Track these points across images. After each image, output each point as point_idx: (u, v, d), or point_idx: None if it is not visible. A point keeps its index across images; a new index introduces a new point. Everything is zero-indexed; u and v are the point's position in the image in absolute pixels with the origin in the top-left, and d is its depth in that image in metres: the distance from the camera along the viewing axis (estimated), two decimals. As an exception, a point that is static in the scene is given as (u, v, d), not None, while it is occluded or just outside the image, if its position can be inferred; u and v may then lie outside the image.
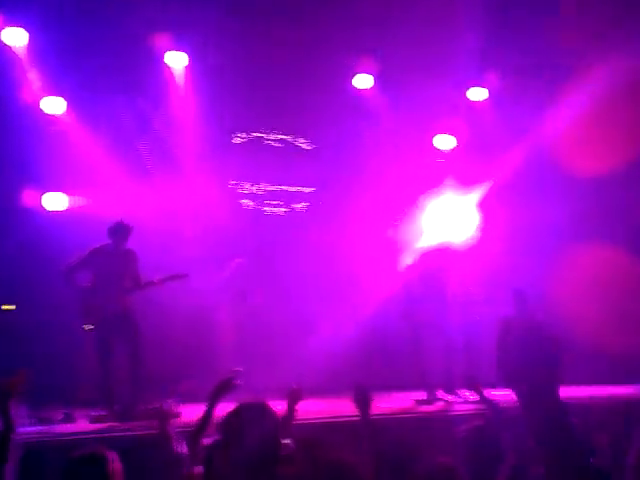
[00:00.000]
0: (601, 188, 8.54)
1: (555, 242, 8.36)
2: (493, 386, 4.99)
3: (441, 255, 6.81)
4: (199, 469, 2.92)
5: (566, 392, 6.10)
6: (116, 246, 6.14)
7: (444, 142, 9.26)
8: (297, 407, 3.55)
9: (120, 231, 6.14)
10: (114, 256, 6.08)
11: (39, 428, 4.97)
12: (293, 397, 3.56)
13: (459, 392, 6.37)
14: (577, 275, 7.93)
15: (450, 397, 6.43)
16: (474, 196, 8.41)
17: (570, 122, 8.14)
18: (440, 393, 6.49)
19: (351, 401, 3.15)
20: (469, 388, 4.09)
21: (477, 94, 9.11)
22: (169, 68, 8.07)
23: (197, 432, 3.18)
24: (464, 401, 6.13)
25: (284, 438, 2.80)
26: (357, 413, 3.13)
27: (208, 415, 3.25)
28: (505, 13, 7.98)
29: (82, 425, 5.28)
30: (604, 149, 7.90)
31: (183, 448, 3.23)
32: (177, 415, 5.38)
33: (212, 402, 3.29)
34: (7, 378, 3.04)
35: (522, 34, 8.10)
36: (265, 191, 9.01)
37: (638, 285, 7.90)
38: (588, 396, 6.22)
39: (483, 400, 3.83)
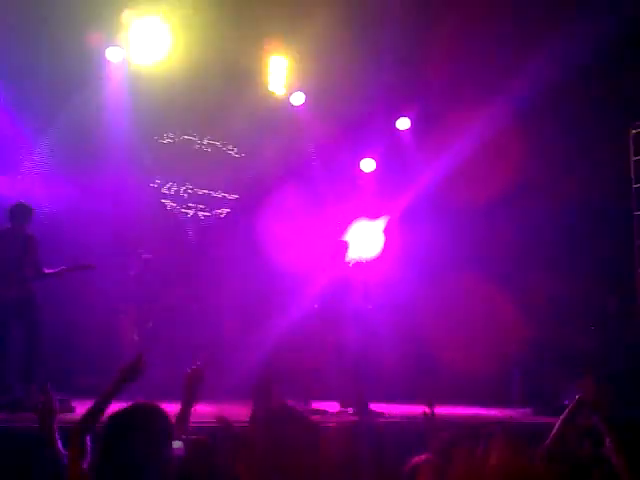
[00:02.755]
0: (490, 216, 9.14)
1: (448, 266, 8.91)
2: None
3: (350, 270, 7.07)
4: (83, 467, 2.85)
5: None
6: (15, 229, 5.96)
7: (366, 165, 9.65)
8: (196, 395, 3.30)
9: (19, 213, 5.98)
10: (13, 240, 5.90)
11: None
12: (193, 379, 3.32)
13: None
14: (454, 296, 8.56)
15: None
16: (383, 219, 8.87)
17: (467, 155, 8.69)
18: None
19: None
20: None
21: (401, 123, 9.57)
22: (107, 63, 8.00)
23: (84, 426, 2.93)
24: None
25: (177, 438, 2.77)
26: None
27: (102, 406, 2.97)
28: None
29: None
30: (494, 180, 8.51)
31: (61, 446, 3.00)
32: (69, 410, 5.32)
33: (111, 392, 3.01)
34: None
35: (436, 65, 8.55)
36: (189, 193, 9.01)
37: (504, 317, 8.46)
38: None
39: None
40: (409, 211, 9.06)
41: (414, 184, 9.07)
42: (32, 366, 5.78)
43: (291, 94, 9.18)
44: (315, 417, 6.22)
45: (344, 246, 7.24)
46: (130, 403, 2.82)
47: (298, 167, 9.20)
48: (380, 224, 8.88)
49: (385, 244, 8.82)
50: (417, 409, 6.69)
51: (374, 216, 8.85)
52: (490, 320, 8.50)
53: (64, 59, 7.37)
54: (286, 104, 9.20)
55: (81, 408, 4.69)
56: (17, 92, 7.30)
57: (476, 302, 8.65)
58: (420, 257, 8.91)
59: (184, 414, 3.33)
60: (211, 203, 9.13)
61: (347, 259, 7.14)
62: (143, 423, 2.61)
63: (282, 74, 9.14)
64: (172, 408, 2.83)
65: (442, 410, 6.83)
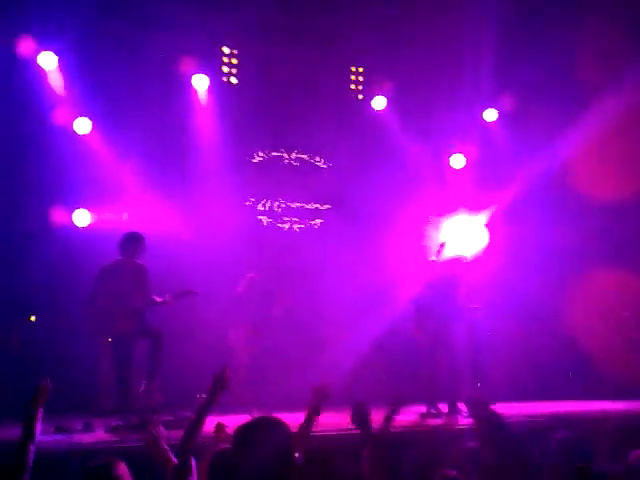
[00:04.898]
0: (607, 212, 8.70)
1: (558, 260, 8.56)
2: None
3: (452, 267, 6.91)
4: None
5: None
6: (125, 260, 6.15)
7: (457, 161, 9.45)
8: (320, 410, 3.43)
9: (127, 244, 6.17)
10: (124, 272, 6.09)
11: (58, 437, 5.11)
12: (319, 396, 3.47)
13: (462, 406, 6.46)
14: (578, 293, 8.14)
15: (454, 411, 6.51)
16: (483, 214, 8.62)
17: (579, 146, 8.32)
18: (444, 407, 6.57)
19: (350, 421, 3.16)
20: (471, 410, 4.06)
21: (489, 115, 9.31)
22: (194, 90, 8.34)
23: (186, 442, 3.11)
24: (468, 415, 6.21)
25: (296, 450, 2.84)
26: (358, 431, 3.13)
27: (198, 421, 3.14)
28: (517, 38, 8.21)
29: (100, 435, 5.42)
30: (614, 173, 8.08)
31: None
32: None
33: (205, 405, 3.19)
34: (34, 390, 3.14)
35: (534, 58, 8.29)
36: (282, 208, 9.19)
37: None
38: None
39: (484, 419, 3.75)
40: (512, 206, 8.74)
41: (515, 177, 8.73)
42: (155, 367, 6.04)
43: (372, 99, 9.18)
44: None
45: (442, 245, 7.12)
46: (252, 417, 2.92)
47: (386, 170, 9.13)
48: (481, 219, 8.62)
49: (489, 240, 8.55)
50: (535, 407, 6.60)
51: (474, 211, 8.62)
52: (611, 311, 8.10)
53: (156, 88, 7.76)
54: (368, 109, 9.21)
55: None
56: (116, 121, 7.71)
57: (595, 294, 8.24)
58: (526, 252, 8.57)
59: (306, 427, 3.43)
60: (305, 215, 9.27)
61: (446, 257, 7.00)
62: (266, 436, 2.68)
63: (361, 81, 9.20)
64: (286, 418, 2.88)
65: (568, 406, 6.69)
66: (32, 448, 3.05)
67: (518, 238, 8.66)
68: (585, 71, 8.14)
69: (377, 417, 3.64)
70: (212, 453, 3.10)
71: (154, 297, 6.20)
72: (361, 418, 3.13)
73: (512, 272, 8.45)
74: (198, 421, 3.16)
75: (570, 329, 8.07)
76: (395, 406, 3.50)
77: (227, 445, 3.25)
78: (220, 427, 3.77)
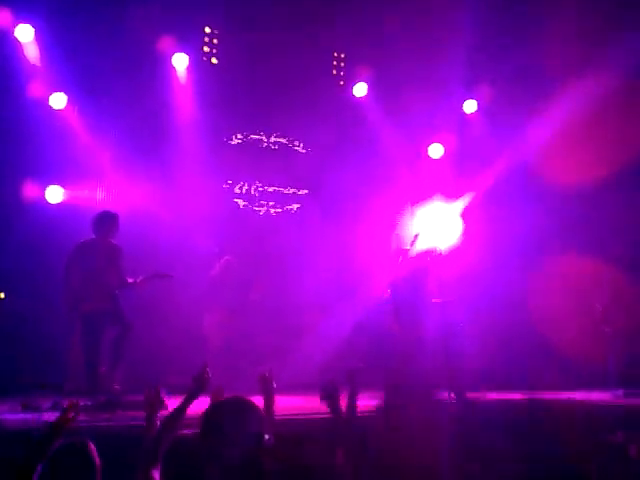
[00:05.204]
0: (582, 200, 8.80)
1: (535, 250, 8.67)
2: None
3: (424, 260, 6.93)
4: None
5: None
6: (99, 240, 6.12)
7: (435, 151, 9.47)
8: (272, 395, 3.50)
9: (101, 223, 6.14)
10: (98, 251, 6.06)
11: (27, 416, 5.05)
12: (263, 382, 3.54)
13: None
14: (552, 283, 8.24)
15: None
16: (459, 204, 8.67)
17: (555, 134, 8.40)
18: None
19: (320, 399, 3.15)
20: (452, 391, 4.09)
21: (468, 106, 9.34)
22: (173, 69, 8.22)
23: (161, 436, 3.02)
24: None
25: (266, 432, 2.82)
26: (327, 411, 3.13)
27: (179, 413, 3.08)
28: (497, 28, 8.23)
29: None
30: (588, 161, 8.18)
31: None
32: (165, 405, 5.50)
33: (183, 406, 3.11)
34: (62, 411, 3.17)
35: (513, 48, 8.34)
36: (259, 191, 9.14)
37: (617, 293, 8.13)
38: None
39: (462, 402, 3.79)
40: (488, 196, 8.80)
41: (492, 167, 8.78)
42: (119, 356, 6.01)
43: (353, 86, 9.14)
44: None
45: (415, 236, 7.13)
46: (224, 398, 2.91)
47: (365, 157, 9.11)
48: (457, 209, 8.67)
49: (464, 231, 8.59)
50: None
51: (450, 200, 8.66)
52: (583, 302, 8.20)
53: (134, 65, 7.64)
54: (349, 96, 9.17)
55: (173, 405, 4.85)
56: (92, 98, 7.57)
57: (570, 284, 8.35)
58: (502, 243, 8.64)
59: (267, 409, 3.47)
60: (282, 199, 9.23)
61: (419, 250, 7.01)
62: (238, 417, 2.68)
63: (343, 67, 9.16)
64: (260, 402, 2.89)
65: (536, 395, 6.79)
66: (39, 468, 2.94)
67: (494, 228, 8.72)
68: (562, 60, 8.20)
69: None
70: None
71: (127, 278, 6.16)
72: (330, 395, 3.14)
73: (488, 263, 8.51)
74: (176, 418, 3.07)
75: (544, 320, 8.16)
76: (352, 382, 3.54)
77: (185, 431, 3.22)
78: (219, 389, 3.79)
